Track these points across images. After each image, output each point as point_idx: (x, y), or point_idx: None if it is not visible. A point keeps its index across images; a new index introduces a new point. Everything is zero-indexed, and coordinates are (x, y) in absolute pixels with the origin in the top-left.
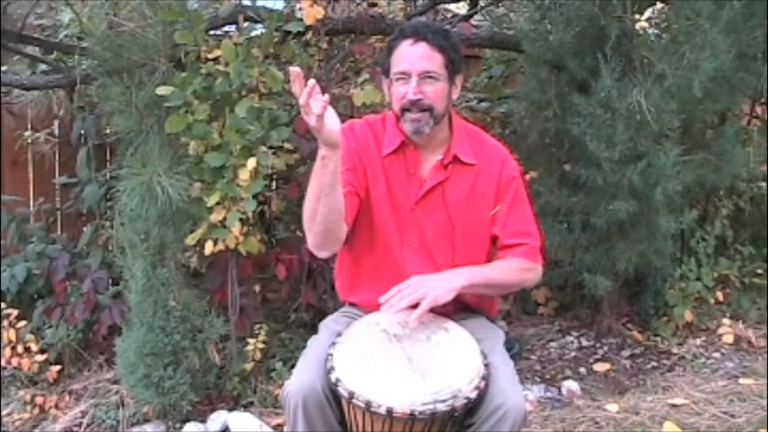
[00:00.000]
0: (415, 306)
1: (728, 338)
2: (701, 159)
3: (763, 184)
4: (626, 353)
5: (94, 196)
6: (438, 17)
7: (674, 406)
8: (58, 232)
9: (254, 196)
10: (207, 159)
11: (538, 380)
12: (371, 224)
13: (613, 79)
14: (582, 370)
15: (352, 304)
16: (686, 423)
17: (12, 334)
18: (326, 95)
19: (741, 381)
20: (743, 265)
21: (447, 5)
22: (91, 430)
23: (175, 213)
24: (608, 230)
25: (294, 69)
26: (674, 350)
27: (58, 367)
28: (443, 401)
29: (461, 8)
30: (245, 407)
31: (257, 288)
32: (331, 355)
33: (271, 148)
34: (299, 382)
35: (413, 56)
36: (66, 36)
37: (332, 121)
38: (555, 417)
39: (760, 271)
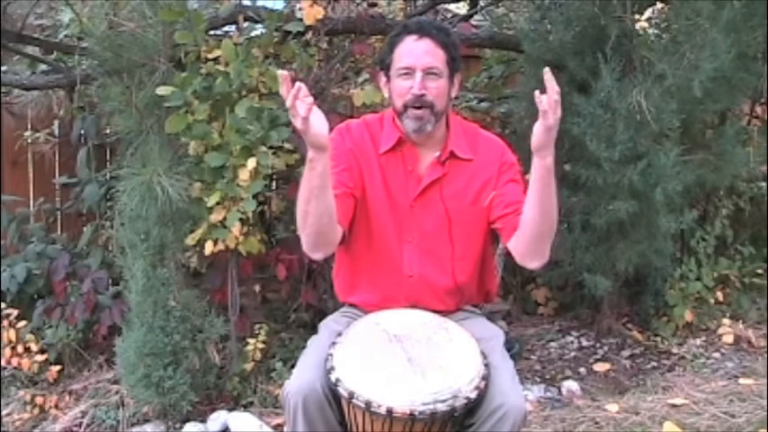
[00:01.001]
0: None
1: (728, 338)
2: (701, 159)
3: (763, 184)
4: (626, 353)
5: (94, 196)
6: (438, 17)
7: (674, 406)
8: (58, 232)
9: (254, 196)
10: (207, 159)
11: (538, 380)
12: (369, 223)
13: (613, 79)
14: (582, 370)
15: (351, 305)
16: (686, 423)
17: (12, 334)
18: (311, 98)
19: (741, 381)
20: (743, 265)
21: (447, 5)
22: (91, 430)
23: (175, 213)
24: (608, 230)
25: (282, 72)
26: (674, 350)
27: (58, 367)
28: (443, 401)
29: (461, 8)
30: (245, 407)
31: (257, 288)
32: (331, 355)
33: (271, 148)
34: (299, 382)
35: (417, 51)
36: (66, 36)
37: (318, 124)
38: (555, 417)
39: (760, 271)
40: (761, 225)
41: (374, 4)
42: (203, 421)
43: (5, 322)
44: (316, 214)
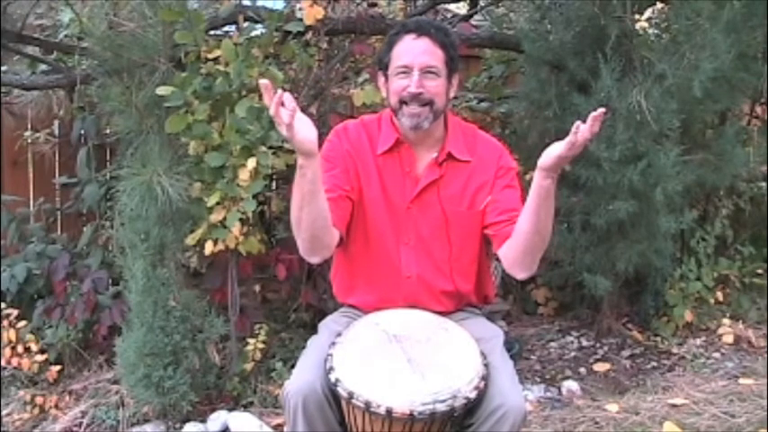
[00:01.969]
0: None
1: (728, 338)
2: (701, 159)
3: (763, 184)
4: (626, 353)
5: (94, 196)
6: (438, 17)
7: (674, 406)
8: (58, 232)
9: (254, 196)
10: (207, 159)
11: (538, 380)
12: (366, 225)
13: (613, 79)
14: (582, 370)
15: (350, 306)
16: (686, 423)
17: (12, 334)
18: (294, 104)
19: (741, 381)
20: (743, 265)
21: (447, 5)
22: (91, 430)
23: (175, 213)
24: (608, 230)
25: (263, 82)
26: (674, 350)
27: (58, 367)
28: (443, 402)
29: (461, 8)
30: (245, 407)
31: (257, 288)
32: (331, 355)
33: (271, 148)
34: (299, 382)
35: (416, 50)
36: (66, 36)
37: (303, 130)
38: (555, 417)
39: (760, 271)
40: (761, 225)
41: (374, 4)
42: (203, 421)
43: (5, 322)
44: (309, 219)
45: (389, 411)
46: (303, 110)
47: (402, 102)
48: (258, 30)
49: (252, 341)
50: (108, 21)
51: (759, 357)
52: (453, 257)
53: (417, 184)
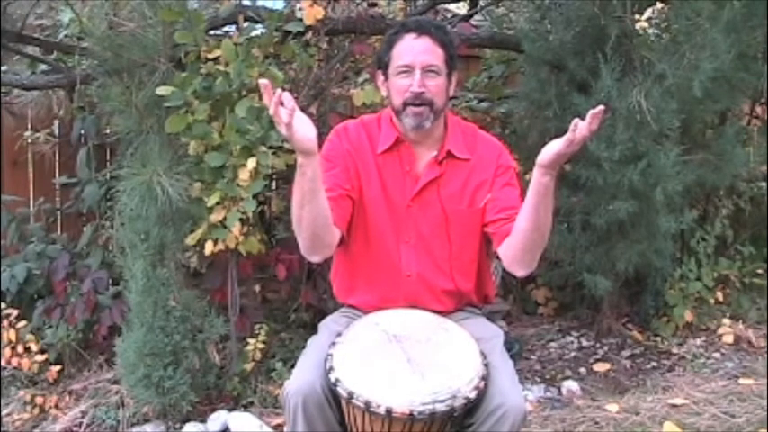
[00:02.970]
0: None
1: (728, 338)
2: (701, 159)
3: (763, 184)
4: (626, 353)
5: (94, 196)
6: (438, 17)
7: (674, 406)
8: (58, 232)
9: (254, 196)
10: (207, 159)
11: (538, 380)
12: (366, 224)
13: (613, 79)
14: (582, 370)
15: (350, 306)
16: (686, 423)
17: (12, 334)
18: (293, 103)
19: (741, 381)
20: (743, 265)
21: (447, 5)
22: (91, 430)
23: (175, 213)
24: (608, 230)
25: (262, 81)
26: (674, 350)
27: (58, 367)
28: (443, 401)
29: (461, 8)
30: (245, 407)
31: (257, 288)
32: (331, 355)
33: (271, 148)
34: (299, 382)
35: (416, 49)
36: (66, 36)
37: (303, 129)
38: (555, 417)
39: (760, 271)
40: (761, 225)
41: (374, 4)
42: (203, 421)
43: (5, 322)
44: (310, 218)
45: (389, 411)
46: (303, 110)
47: (405, 103)
48: (258, 30)
49: (252, 341)
50: (108, 21)
51: (759, 357)
52: (453, 256)
53: (417, 183)
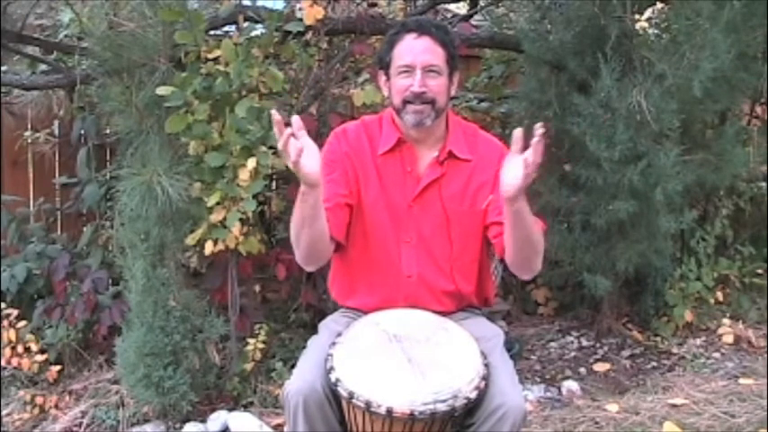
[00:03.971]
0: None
1: (728, 338)
2: (701, 159)
3: (763, 184)
4: (626, 353)
5: (94, 196)
6: (438, 17)
7: (674, 406)
8: (58, 232)
9: (254, 196)
10: (207, 159)
11: (538, 380)
12: (365, 227)
13: (613, 79)
14: (582, 370)
15: (350, 308)
16: (686, 423)
17: (12, 334)
18: (304, 132)
19: (741, 381)
20: (743, 265)
21: (447, 5)
22: (91, 430)
23: (175, 213)
24: (608, 230)
25: (275, 115)
26: (674, 350)
27: (58, 367)
28: (443, 401)
29: (461, 8)
30: (245, 407)
31: (257, 288)
32: (331, 355)
33: (271, 148)
34: (299, 382)
35: (417, 49)
36: (66, 36)
37: (309, 164)
38: (555, 417)
39: (760, 271)
40: (761, 225)
41: (374, 4)
42: (203, 421)
43: (5, 322)
44: (308, 239)
45: (390, 411)
46: (303, 110)
47: (405, 101)
48: (258, 30)
49: (252, 341)
50: (108, 21)
51: (759, 357)
52: (454, 257)
53: (419, 183)
